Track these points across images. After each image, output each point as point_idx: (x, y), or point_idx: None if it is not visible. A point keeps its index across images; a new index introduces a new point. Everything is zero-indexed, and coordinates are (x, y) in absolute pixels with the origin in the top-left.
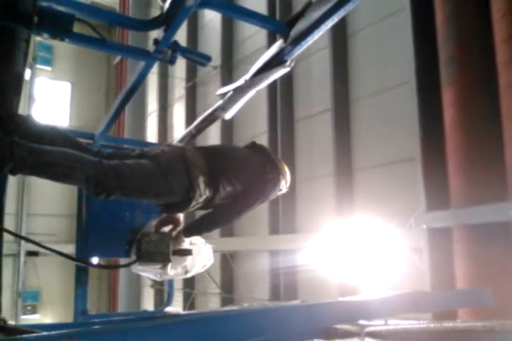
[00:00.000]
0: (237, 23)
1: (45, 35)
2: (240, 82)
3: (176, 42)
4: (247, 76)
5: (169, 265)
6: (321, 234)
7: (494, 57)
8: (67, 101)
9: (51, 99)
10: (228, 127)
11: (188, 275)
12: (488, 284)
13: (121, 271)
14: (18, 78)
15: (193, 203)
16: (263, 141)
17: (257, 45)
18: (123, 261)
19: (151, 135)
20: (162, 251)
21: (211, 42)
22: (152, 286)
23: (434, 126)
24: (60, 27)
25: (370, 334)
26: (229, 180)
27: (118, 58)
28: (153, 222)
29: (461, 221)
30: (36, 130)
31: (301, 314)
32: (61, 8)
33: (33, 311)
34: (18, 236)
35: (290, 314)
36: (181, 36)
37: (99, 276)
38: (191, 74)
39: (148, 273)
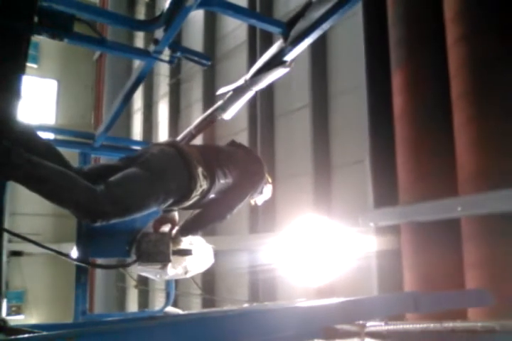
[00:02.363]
0: (218, 19)
1: (45, 35)
2: (240, 82)
3: (176, 42)
4: (247, 76)
5: (169, 265)
6: (285, 233)
7: (445, 38)
8: (53, 99)
9: (37, 97)
10: None
11: (188, 276)
12: (435, 285)
13: (98, 272)
14: (18, 79)
15: (194, 194)
16: (243, 138)
17: (238, 40)
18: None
19: (136, 133)
20: (162, 251)
21: (194, 38)
22: (136, 287)
23: (385, 117)
24: (60, 27)
25: (370, 334)
26: (223, 173)
27: (97, 54)
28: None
29: (408, 218)
30: (33, 140)
31: (301, 314)
32: (61, 8)
33: (18, 312)
34: (19, 236)
35: (290, 314)
36: None
37: None
38: (175, 71)
39: (148, 273)
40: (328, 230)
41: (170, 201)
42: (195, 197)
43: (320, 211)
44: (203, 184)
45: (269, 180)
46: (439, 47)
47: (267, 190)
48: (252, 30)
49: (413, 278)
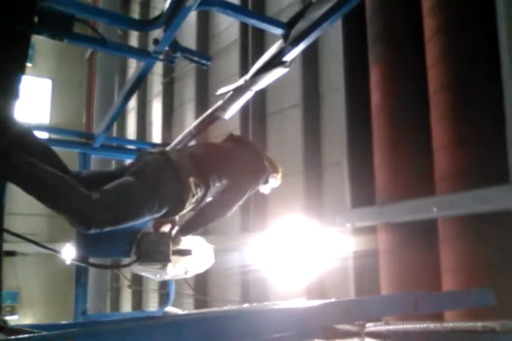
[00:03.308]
0: (211, 17)
1: (45, 35)
2: (240, 82)
3: (175, 42)
4: (247, 76)
5: (169, 265)
6: (270, 233)
7: (423, 32)
8: (47, 98)
9: (32, 96)
10: None
11: (188, 276)
12: (411, 286)
13: (90, 272)
14: (17, 80)
15: (187, 205)
16: None
17: (230, 38)
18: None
19: (131, 132)
20: (162, 251)
21: (187, 36)
22: (130, 287)
23: (363, 116)
24: (60, 27)
25: (370, 334)
26: (218, 176)
27: (89, 52)
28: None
29: (384, 218)
30: (31, 141)
31: (301, 314)
32: (61, 8)
33: (12, 312)
34: (19, 236)
35: (290, 314)
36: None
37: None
38: (168, 70)
39: (148, 273)
40: (314, 230)
41: (164, 210)
42: (189, 206)
43: (311, 210)
44: (196, 193)
45: (279, 168)
46: (418, 42)
47: (272, 179)
48: (244, 27)
49: (390, 279)
